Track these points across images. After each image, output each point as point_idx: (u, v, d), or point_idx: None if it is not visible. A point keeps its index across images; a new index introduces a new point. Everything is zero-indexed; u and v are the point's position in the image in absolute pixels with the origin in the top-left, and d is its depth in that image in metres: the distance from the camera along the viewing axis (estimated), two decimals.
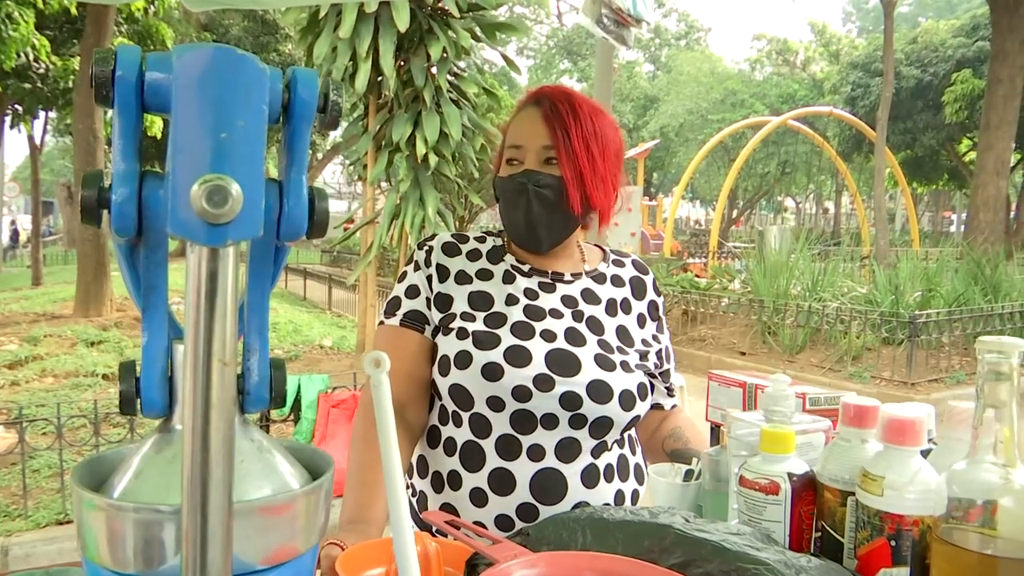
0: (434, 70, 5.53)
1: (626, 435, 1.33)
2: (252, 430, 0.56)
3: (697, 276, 11.10)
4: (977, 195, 12.38)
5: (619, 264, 1.45)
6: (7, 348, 6.90)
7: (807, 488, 0.95)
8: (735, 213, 30.02)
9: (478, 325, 1.27)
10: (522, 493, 1.21)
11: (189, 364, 0.41)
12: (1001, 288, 8.30)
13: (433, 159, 5.43)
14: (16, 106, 11.92)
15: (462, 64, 5.91)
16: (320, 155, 26.65)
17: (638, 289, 1.42)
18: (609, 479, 1.26)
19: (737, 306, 8.58)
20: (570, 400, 1.22)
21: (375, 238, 5.83)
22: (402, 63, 5.56)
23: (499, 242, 1.40)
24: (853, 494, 0.90)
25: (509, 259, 1.36)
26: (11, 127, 12.82)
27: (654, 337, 1.40)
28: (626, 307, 1.38)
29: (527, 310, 1.29)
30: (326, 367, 6.50)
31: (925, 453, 0.96)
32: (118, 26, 9.89)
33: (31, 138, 14.84)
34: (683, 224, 34.12)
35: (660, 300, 1.46)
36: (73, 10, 8.69)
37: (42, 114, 13.44)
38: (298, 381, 4.30)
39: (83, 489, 0.51)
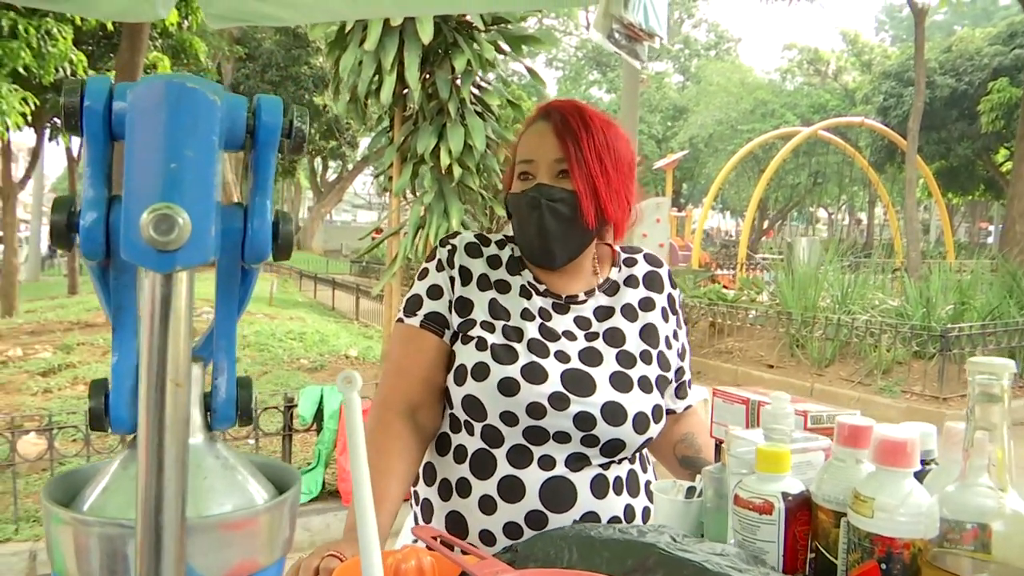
0: (459, 82, 5.57)
1: (637, 453, 1.31)
2: (219, 447, 0.57)
3: (725, 288, 10.99)
4: (1013, 206, 12.09)
5: (631, 263, 1.42)
6: (41, 356, 7.04)
7: (802, 508, 0.94)
8: (766, 224, 29.75)
9: (496, 337, 1.25)
10: (531, 501, 1.20)
11: (143, 385, 0.42)
12: None
13: (457, 171, 5.46)
14: (55, 119, 12.20)
15: (490, 76, 5.95)
16: (350, 166, 26.97)
17: (654, 284, 1.40)
18: (619, 492, 1.25)
19: (765, 318, 8.48)
20: (584, 420, 1.21)
21: (400, 249, 5.88)
22: (427, 76, 5.61)
23: (519, 252, 1.38)
24: (846, 515, 0.89)
25: (527, 274, 1.34)
26: (50, 139, 13.12)
27: (675, 334, 1.39)
28: (647, 304, 1.36)
29: (542, 329, 1.28)
30: None
31: (922, 475, 0.94)
32: (152, 41, 10.08)
33: (69, 150, 15.16)
34: (713, 235, 33.89)
35: (677, 293, 1.44)
36: (109, 26, 8.89)
37: None
38: (320, 391, 4.30)
39: (50, 503, 0.53)
